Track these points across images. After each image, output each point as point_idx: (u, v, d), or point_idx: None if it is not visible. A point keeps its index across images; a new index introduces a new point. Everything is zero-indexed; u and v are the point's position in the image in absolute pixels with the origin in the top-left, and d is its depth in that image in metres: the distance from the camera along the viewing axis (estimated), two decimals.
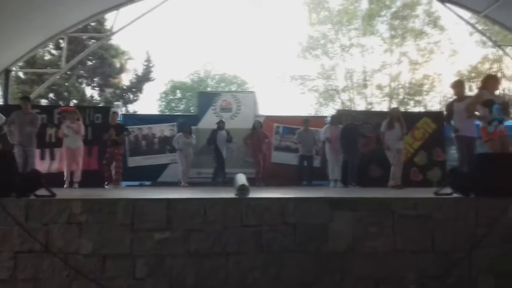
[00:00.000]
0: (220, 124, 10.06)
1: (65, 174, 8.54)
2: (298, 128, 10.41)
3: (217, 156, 9.98)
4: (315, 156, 10.29)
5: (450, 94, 25.86)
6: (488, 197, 4.21)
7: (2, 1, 8.85)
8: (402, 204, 4.08)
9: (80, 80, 22.24)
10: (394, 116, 8.10)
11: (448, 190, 4.56)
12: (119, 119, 9.76)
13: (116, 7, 11.72)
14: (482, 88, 6.17)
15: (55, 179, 8.11)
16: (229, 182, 9.14)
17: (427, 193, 4.91)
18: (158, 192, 6.16)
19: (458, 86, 6.92)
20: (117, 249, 3.79)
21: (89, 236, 3.79)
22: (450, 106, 6.88)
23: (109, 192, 6.60)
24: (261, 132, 10.10)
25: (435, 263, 3.94)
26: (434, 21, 24.84)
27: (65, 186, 8.37)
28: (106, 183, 8.79)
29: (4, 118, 7.82)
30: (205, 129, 10.53)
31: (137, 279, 3.78)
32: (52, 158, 9.55)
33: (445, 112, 6.96)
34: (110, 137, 8.75)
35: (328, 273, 3.88)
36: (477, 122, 6.30)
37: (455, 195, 4.47)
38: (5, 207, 3.78)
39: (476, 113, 6.07)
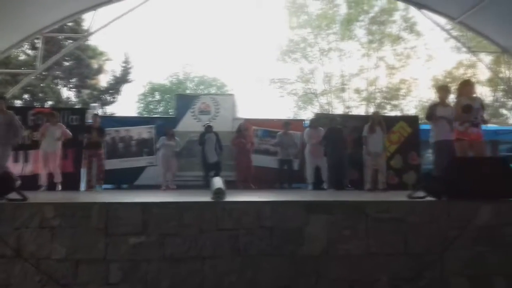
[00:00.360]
0: (208, 129, 10.00)
1: (41, 177, 8.41)
2: (277, 131, 10.46)
3: (204, 160, 9.89)
4: (294, 160, 10.35)
5: (427, 98, 26.49)
6: (460, 200, 4.31)
7: None
8: (376, 207, 4.14)
9: (56, 81, 21.86)
10: (375, 120, 8.21)
11: (421, 193, 4.65)
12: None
13: (94, 7, 11.56)
14: (459, 95, 6.32)
15: (29, 182, 7.96)
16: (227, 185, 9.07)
17: (402, 196, 5.00)
18: (134, 195, 6.10)
19: (443, 91, 7.06)
20: (91, 253, 3.74)
21: (62, 240, 3.73)
22: (432, 108, 6.89)
23: (83, 196, 6.50)
24: (246, 135, 10.09)
25: (407, 265, 4.00)
26: (410, 27, 25.33)
27: (42, 189, 8.22)
28: (86, 186, 8.80)
29: None
30: (184, 132, 10.48)
31: (111, 284, 3.73)
32: (26, 160, 9.37)
33: (426, 112, 7.07)
34: (91, 139, 8.69)
35: (303, 276, 3.90)
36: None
37: (428, 198, 4.56)
38: None
39: None
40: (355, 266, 3.94)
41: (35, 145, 8.91)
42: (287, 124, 10.36)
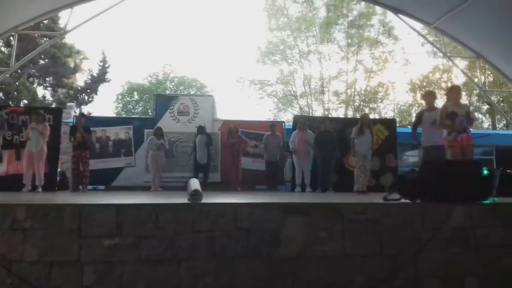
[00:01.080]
0: (199, 130, 9.93)
1: (24, 177, 8.25)
2: (257, 132, 10.49)
3: (195, 161, 9.81)
4: (279, 161, 10.37)
5: (404, 101, 26.91)
6: (434, 202, 4.39)
7: None
8: (352, 209, 4.18)
9: (31, 79, 21.40)
10: (364, 122, 8.27)
11: (396, 195, 4.71)
12: (70, 120, 9.49)
13: (70, 5, 11.36)
14: (447, 101, 6.46)
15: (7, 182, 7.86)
16: (210, 187, 9.02)
17: (378, 198, 5.06)
18: (110, 197, 6.02)
19: (429, 96, 7.21)
20: (64, 256, 3.66)
21: (34, 242, 3.64)
22: (420, 115, 7.06)
23: (56, 197, 6.38)
24: (236, 137, 10.07)
25: (383, 266, 4.06)
26: (388, 31, 25.77)
27: (24, 189, 8.10)
28: (76, 186, 8.72)
29: None
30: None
31: (85, 286, 3.66)
32: (0, 160, 9.14)
33: (413, 119, 7.22)
34: (76, 140, 8.54)
35: (279, 278, 3.91)
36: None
37: (403, 200, 4.63)
38: None
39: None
40: (331, 268, 3.97)
41: (9, 144, 8.71)
42: (273, 126, 10.38)
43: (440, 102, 7.26)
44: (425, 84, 26.20)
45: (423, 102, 7.58)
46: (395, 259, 4.09)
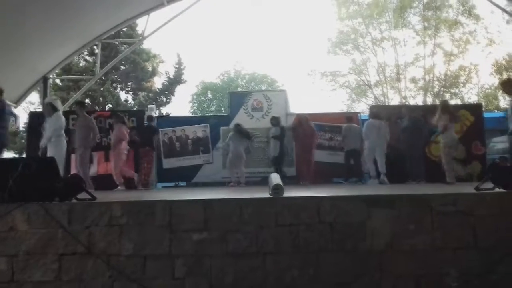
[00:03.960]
0: (272, 121, 9.97)
1: (115, 178, 8.84)
2: (332, 125, 10.33)
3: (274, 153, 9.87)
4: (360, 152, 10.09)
5: (489, 84, 25.15)
6: None
7: (38, 12, 9.18)
8: (441, 200, 3.99)
9: (114, 84, 22.76)
10: (447, 109, 7.84)
11: (489, 184, 4.42)
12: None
13: (147, 11, 11.96)
14: None
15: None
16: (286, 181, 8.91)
17: (467, 188, 4.78)
18: (194, 193, 6.24)
19: (507, 85, 6.74)
20: (157, 249, 3.87)
21: (129, 237, 3.89)
22: None
23: (147, 194, 6.73)
24: (307, 127, 9.90)
25: (477, 260, 3.83)
26: (468, 10, 24.11)
27: (117, 188, 8.71)
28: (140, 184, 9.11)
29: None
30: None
31: (176, 279, 3.85)
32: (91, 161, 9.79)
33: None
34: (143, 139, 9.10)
35: (366, 272, 3.84)
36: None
37: (497, 189, 4.34)
38: (49, 211, 3.92)
39: None
40: (421, 261, 3.82)
41: (98, 147, 9.32)
42: (350, 118, 10.16)
43: None
44: None
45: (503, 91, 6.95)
46: (491, 252, 3.85)
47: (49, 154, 7.19)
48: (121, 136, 8.88)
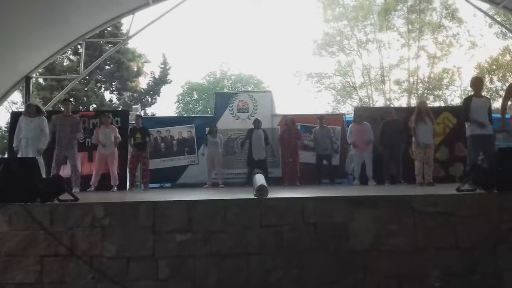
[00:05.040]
0: (256, 123, 9.95)
1: (93, 178, 8.63)
2: (315, 126, 10.36)
3: (250, 157, 9.83)
4: (333, 154, 10.19)
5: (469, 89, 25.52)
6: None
7: (21, 10, 9.04)
8: (423, 201, 4.04)
9: (98, 84, 22.52)
10: (423, 111, 7.84)
11: (470, 186, 4.49)
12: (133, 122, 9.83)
13: (132, 11, 11.84)
14: None
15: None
16: (272, 182, 8.84)
17: (449, 189, 4.85)
18: (178, 194, 6.21)
19: (476, 83, 6.82)
20: (140, 251, 3.84)
21: (112, 239, 3.85)
22: (467, 102, 6.66)
23: (130, 195, 6.69)
24: (293, 130, 9.95)
25: (459, 260, 3.89)
26: (451, 14, 24.46)
27: (89, 189, 8.40)
28: (128, 187, 8.94)
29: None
30: (223, 130, 10.54)
31: (160, 280, 3.83)
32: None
33: (463, 108, 6.78)
34: (135, 140, 8.93)
35: (350, 272, 3.87)
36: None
37: (478, 191, 4.41)
38: (30, 212, 3.87)
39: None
40: (403, 261, 3.86)
41: (82, 147, 9.18)
42: (321, 118, 10.20)
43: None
44: (494, 67, 24.65)
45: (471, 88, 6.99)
46: (472, 252, 3.91)
47: (29, 154, 7.07)
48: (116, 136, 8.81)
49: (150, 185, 9.70)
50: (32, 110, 7.58)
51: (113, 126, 8.94)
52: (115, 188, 8.64)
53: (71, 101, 8.77)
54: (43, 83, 20.55)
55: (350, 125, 9.57)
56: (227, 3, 44.99)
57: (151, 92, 23.89)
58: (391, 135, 8.93)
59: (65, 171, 8.45)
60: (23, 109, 8.35)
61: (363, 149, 9.11)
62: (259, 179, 4.57)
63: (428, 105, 9.16)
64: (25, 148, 7.36)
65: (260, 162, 9.59)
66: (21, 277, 3.81)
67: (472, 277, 3.84)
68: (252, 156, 9.71)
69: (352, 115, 10.98)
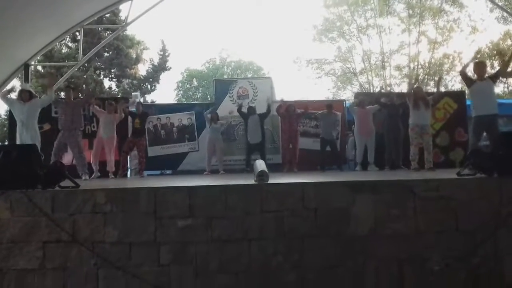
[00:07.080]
0: (250, 110, 9.92)
1: (92, 164, 8.59)
2: (315, 112, 10.32)
3: (247, 142, 9.81)
4: (336, 140, 10.16)
5: (472, 73, 25.41)
6: None
7: None
8: (424, 185, 4.04)
9: (97, 71, 22.41)
10: (418, 96, 7.75)
11: (471, 170, 4.49)
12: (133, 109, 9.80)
13: None
14: None
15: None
16: (272, 168, 8.77)
17: (449, 174, 4.85)
18: (179, 180, 6.21)
19: (480, 67, 6.82)
20: (142, 236, 3.87)
21: (114, 225, 3.87)
22: (470, 81, 6.77)
23: (130, 182, 6.70)
24: (294, 115, 9.79)
25: (459, 243, 3.91)
26: None
27: (93, 176, 8.33)
28: (119, 172, 8.90)
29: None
30: (223, 116, 10.52)
31: (161, 265, 3.86)
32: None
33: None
34: (134, 126, 8.92)
35: (350, 257, 3.89)
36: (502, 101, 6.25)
37: (478, 175, 4.41)
38: (31, 198, 3.88)
39: None
40: (404, 245, 3.89)
41: (83, 135, 9.16)
42: (330, 106, 10.13)
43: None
44: (495, 52, 24.49)
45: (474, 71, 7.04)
46: (472, 235, 3.93)
47: (27, 140, 7.07)
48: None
49: (151, 172, 9.72)
50: (25, 96, 7.57)
51: (116, 114, 8.92)
52: (111, 174, 8.64)
53: (72, 88, 8.70)
54: (42, 71, 20.44)
55: (354, 108, 9.45)
56: None
57: (151, 79, 23.78)
58: (392, 119, 8.92)
59: (68, 158, 8.48)
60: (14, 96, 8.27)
61: (368, 133, 9.08)
62: (260, 164, 4.57)
63: (429, 91, 9.10)
64: (22, 128, 7.32)
65: (256, 145, 9.60)
66: (23, 263, 3.84)
67: (472, 260, 3.87)
68: (248, 140, 9.73)
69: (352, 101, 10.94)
